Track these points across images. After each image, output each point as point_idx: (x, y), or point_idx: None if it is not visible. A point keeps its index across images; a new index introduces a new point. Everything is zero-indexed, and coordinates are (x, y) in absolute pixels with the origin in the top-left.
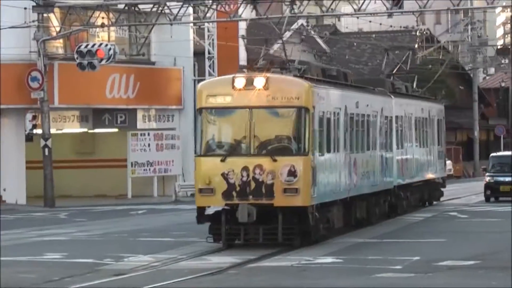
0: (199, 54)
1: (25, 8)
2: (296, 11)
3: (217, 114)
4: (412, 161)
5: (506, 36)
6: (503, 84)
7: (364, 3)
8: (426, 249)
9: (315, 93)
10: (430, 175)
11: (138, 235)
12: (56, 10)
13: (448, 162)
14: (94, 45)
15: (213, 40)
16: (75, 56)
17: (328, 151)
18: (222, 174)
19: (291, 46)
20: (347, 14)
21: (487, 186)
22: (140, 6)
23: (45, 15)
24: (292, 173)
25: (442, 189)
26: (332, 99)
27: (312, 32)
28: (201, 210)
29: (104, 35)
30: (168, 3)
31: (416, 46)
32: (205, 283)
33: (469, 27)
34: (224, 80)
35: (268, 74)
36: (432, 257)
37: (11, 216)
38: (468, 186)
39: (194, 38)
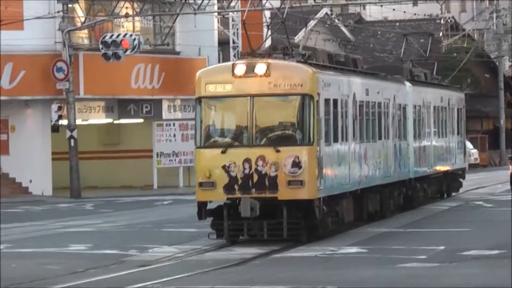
0: (223, 43)
1: None
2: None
3: (217, 103)
4: (430, 151)
5: None
6: None
7: None
8: (451, 239)
9: (320, 79)
10: (449, 166)
11: (163, 226)
12: (81, 0)
13: (474, 151)
14: (119, 35)
15: (237, 29)
16: (100, 46)
17: (336, 140)
18: (223, 167)
19: (315, 35)
20: (371, 2)
21: None
22: None
23: (69, 5)
24: (296, 164)
25: (461, 180)
26: (339, 86)
27: (337, 21)
28: (202, 205)
29: (129, 25)
30: None
31: (440, 34)
32: (229, 274)
33: (494, 15)
34: (224, 67)
35: (270, 60)
36: (457, 247)
37: (37, 207)
38: (494, 175)
39: (218, 27)
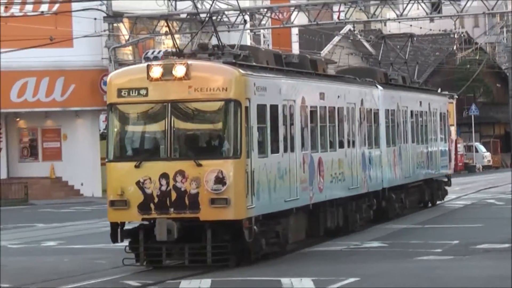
0: None
1: (95, 19)
2: (344, 17)
3: (130, 111)
4: (408, 158)
5: None
6: None
7: (406, 8)
8: (465, 234)
9: (251, 82)
10: (431, 174)
11: None
12: (125, 20)
13: (487, 154)
14: (160, 51)
15: (268, 45)
16: (143, 61)
17: (275, 151)
18: (137, 183)
19: (340, 49)
20: (390, 19)
21: None
22: (202, 15)
23: (115, 24)
24: (220, 180)
25: (446, 187)
26: (280, 90)
27: (359, 36)
28: (115, 225)
29: (169, 42)
30: (226, 12)
31: (454, 47)
32: None
33: (505, 29)
34: (138, 69)
35: (190, 61)
36: (470, 241)
37: (87, 207)
38: (505, 175)
39: (250, 43)
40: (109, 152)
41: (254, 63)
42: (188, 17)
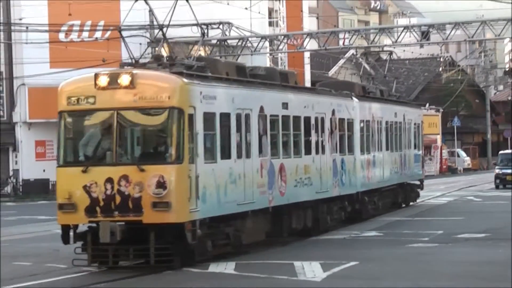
0: None
1: (140, 44)
2: (347, 43)
3: (79, 118)
4: (382, 164)
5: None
6: (509, 98)
7: (400, 36)
8: (448, 225)
9: (196, 91)
10: (404, 179)
11: None
12: (165, 45)
13: (467, 158)
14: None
15: (284, 66)
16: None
17: (226, 157)
18: (84, 187)
19: (344, 70)
20: (386, 45)
21: (497, 176)
22: (229, 41)
23: (156, 48)
24: (161, 184)
25: (419, 190)
26: (233, 99)
27: (360, 59)
28: (66, 228)
29: None
30: (250, 39)
31: (440, 69)
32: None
33: (483, 54)
34: (86, 78)
35: (135, 70)
36: (452, 231)
37: None
38: (482, 176)
39: (270, 65)
40: (59, 157)
41: (209, 74)
42: (218, 42)
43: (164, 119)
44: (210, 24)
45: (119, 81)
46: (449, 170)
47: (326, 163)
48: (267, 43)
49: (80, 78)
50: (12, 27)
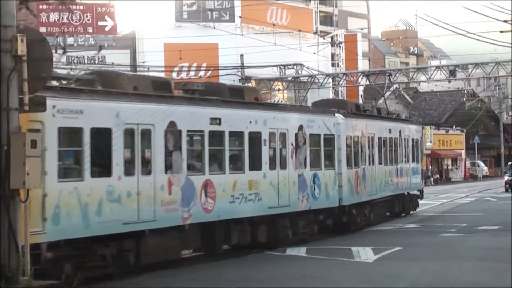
0: None
1: (233, 80)
2: (392, 79)
3: None
4: (374, 178)
5: None
6: None
7: (432, 74)
8: (470, 219)
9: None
10: (400, 190)
11: None
12: (252, 81)
13: (485, 167)
14: (275, 101)
15: (344, 97)
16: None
17: (103, 174)
18: None
19: (389, 100)
20: (423, 81)
21: (506, 182)
22: (301, 78)
23: (246, 84)
24: None
25: (419, 200)
26: (118, 114)
27: (402, 91)
28: None
29: (280, 95)
30: (317, 76)
31: (464, 99)
32: None
33: (497, 87)
34: None
35: None
36: (473, 224)
37: None
38: (497, 182)
39: (332, 96)
40: None
41: (98, 88)
42: (292, 79)
43: None
44: (287, 65)
45: None
46: (471, 177)
47: (287, 178)
48: (330, 80)
49: None
50: (137, 68)
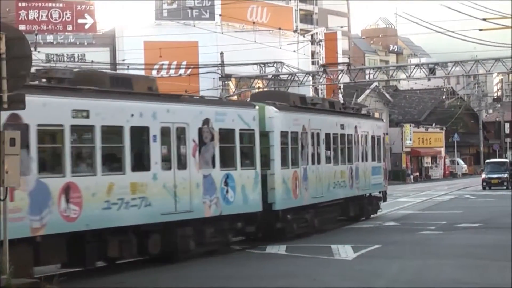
0: None
1: (213, 78)
2: (372, 77)
3: None
4: (320, 179)
5: (499, 90)
6: (497, 119)
7: (412, 72)
8: (450, 217)
9: None
10: (354, 192)
11: None
12: (233, 79)
13: (464, 165)
14: None
15: (324, 95)
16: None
17: None
18: None
19: (369, 98)
20: (402, 79)
21: (483, 180)
22: (281, 76)
23: (226, 82)
24: None
25: (380, 202)
26: None
27: (382, 89)
28: None
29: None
30: (297, 74)
31: (444, 97)
32: None
33: (477, 85)
34: None
35: None
36: (453, 222)
37: None
38: (476, 180)
39: (312, 94)
40: None
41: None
42: (273, 77)
43: None
44: (267, 63)
45: None
46: (451, 175)
47: (188, 180)
48: (310, 78)
49: None
50: (117, 66)
